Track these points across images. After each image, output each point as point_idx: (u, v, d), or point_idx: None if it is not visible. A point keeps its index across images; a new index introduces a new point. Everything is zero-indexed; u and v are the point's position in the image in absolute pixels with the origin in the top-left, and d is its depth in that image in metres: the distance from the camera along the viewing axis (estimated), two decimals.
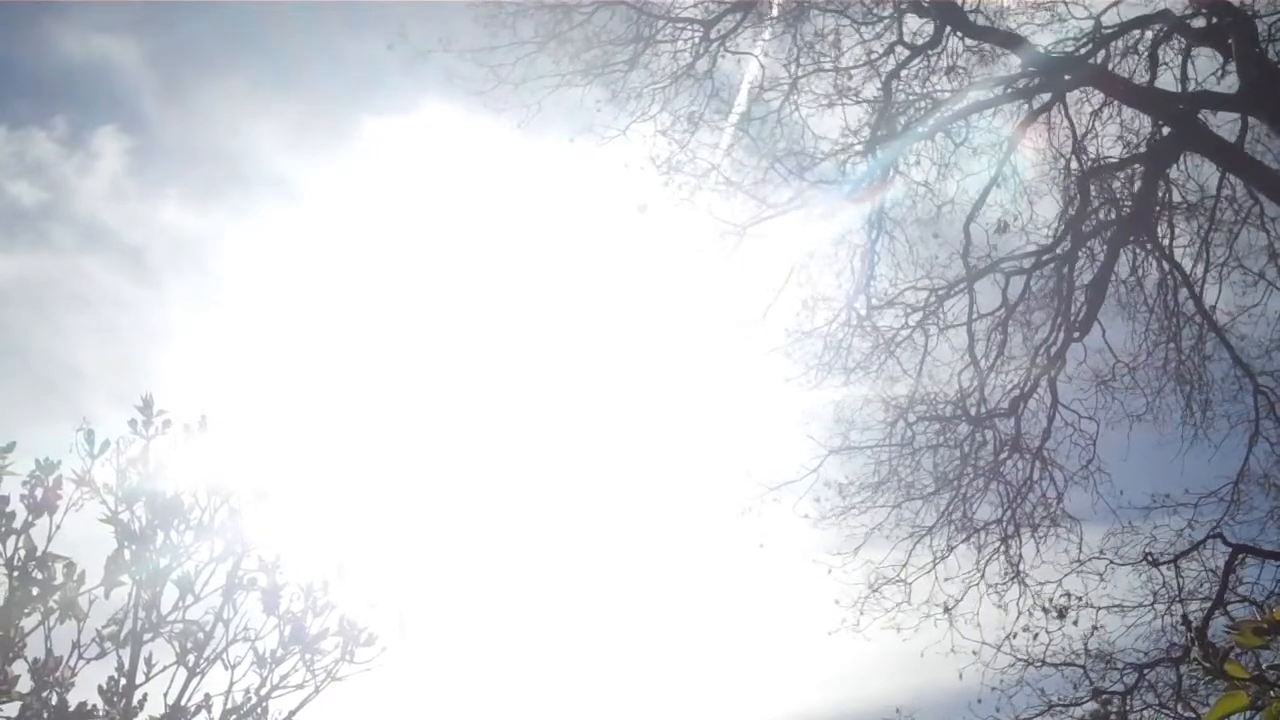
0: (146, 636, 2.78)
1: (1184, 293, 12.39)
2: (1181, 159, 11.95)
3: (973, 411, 12.21)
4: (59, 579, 2.82)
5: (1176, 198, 12.25)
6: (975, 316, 12.31)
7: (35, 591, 2.78)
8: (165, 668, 2.79)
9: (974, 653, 11.51)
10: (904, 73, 12.10)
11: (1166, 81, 11.97)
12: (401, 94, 16.20)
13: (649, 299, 13.19)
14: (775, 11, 12.11)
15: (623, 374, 13.27)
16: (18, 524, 2.86)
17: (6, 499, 2.88)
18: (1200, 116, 11.50)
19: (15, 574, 2.80)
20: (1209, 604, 11.15)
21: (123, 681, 2.74)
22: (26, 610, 2.78)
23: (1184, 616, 10.87)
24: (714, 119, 12.21)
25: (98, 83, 16.29)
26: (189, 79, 16.53)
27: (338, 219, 15.50)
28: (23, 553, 2.85)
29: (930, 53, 12.12)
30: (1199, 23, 11.53)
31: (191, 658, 2.77)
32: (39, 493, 2.88)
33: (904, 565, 11.90)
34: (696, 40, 12.18)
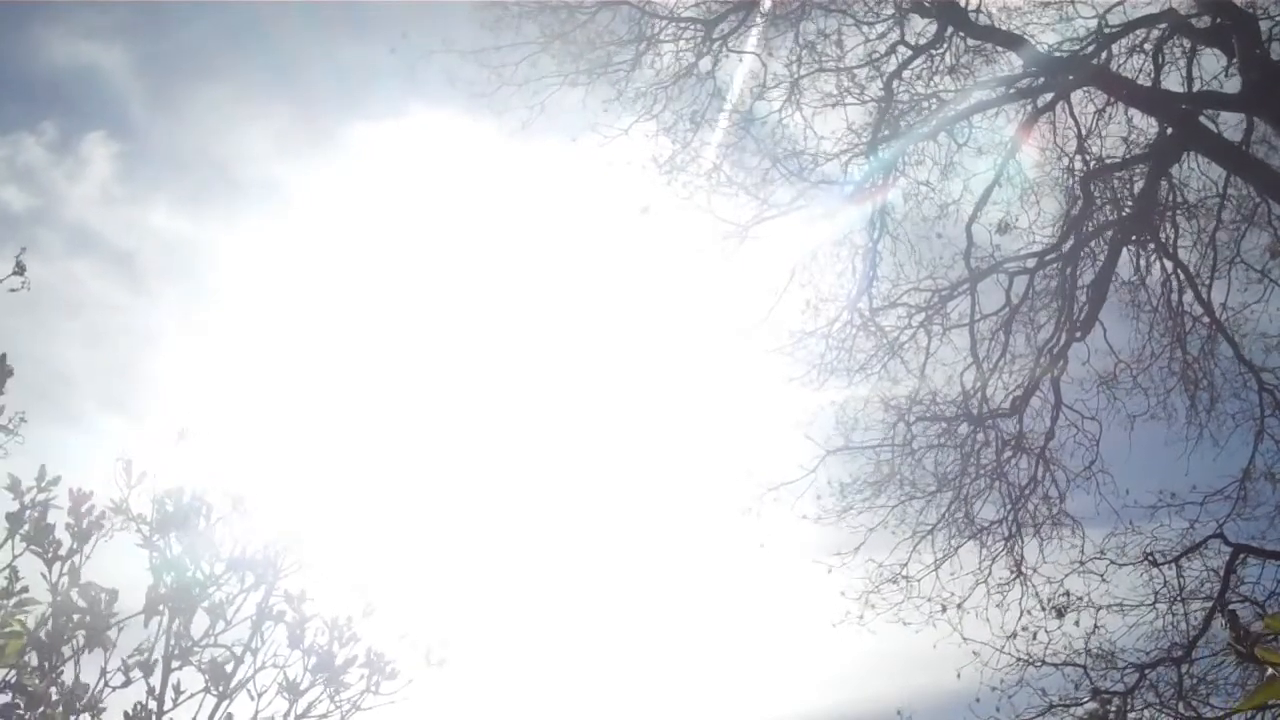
0: (175, 664, 2.80)
1: (1188, 292, 12.42)
2: (1186, 158, 11.97)
3: (975, 412, 12.23)
4: (102, 608, 2.81)
5: (1180, 197, 12.28)
6: (978, 317, 12.34)
7: (76, 618, 2.78)
8: (193, 694, 2.82)
9: (974, 653, 11.53)
10: (906, 73, 12.10)
11: (1173, 80, 12.01)
12: (393, 99, 16.18)
13: (650, 300, 13.19)
14: (777, 11, 12.09)
15: (625, 376, 13.27)
16: (63, 551, 2.85)
17: (52, 527, 2.87)
18: (1204, 116, 11.52)
19: (59, 600, 2.80)
20: (1210, 603, 11.18)
21: (152, 704, 2.76)
22: (67, 638, 2.78)
23: (1223, 608, 10.89)
24: (716, 119, 12.23)
25: (87, 88, 16.28)
26: (177, 84, 16.53)
27: (330, 224, 15.47)
28: (66, 579, 2.84)
29: (933, 52, 12.12)
30: (1203, 22, 11.54)
31: (220, 685, 2.79)
32: (85, 523, 2.88)
33: (906, 564, 11.94)
34: (699, 40, 12.17)
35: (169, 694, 2.75)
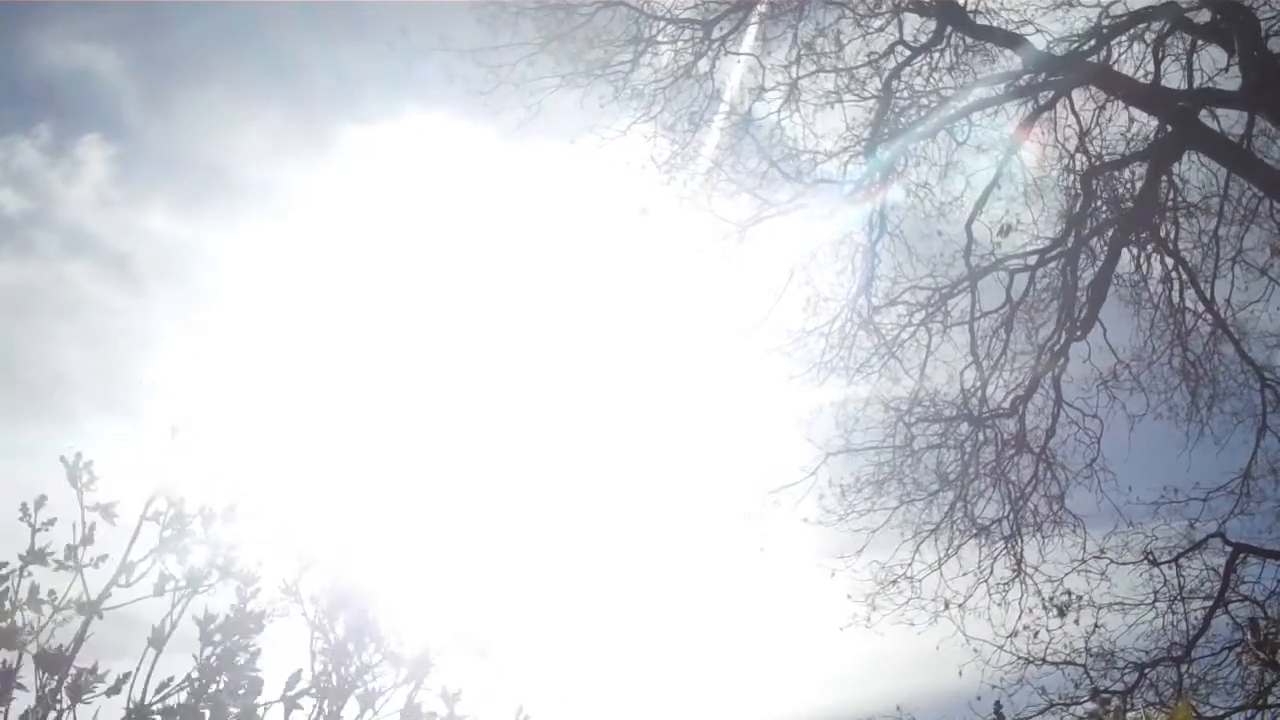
0: None
1: (1189, 289, 12.38)
2: (1186, 156, 11.90)
3: (975, 411, 12.22)
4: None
5: (1181, 195, 12.22)
6: (978, 315, 12.31)
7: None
8: None
9: (975, 650, 11.56)
10: (905, 72, 12.06)
11: (1174, 77, 11.93)
12: (388, 101, 16.24)
13: (650, 300, 13.20)
14: (775, 11, 12.05)
15: (622, 377, 13.29)
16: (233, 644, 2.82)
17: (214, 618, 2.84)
18: (1205, 113, 11.45)
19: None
20: (1210, 603, 11.19)
21: None
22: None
23: (1224, 608, 10.93)
24: (715, 119, 12.22)
25: (81, 90, 16.32)
26: (173, 86, 16.55)
27: (326, 226, 15.49)
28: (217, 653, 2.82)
29: (932, 51, 12.07)
30: (1203, 17, 11.46)
31: None
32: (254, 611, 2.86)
33: (910, 564, 11.95)
34: (697, 40, 12.15)
35: None
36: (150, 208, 17.02)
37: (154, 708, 2.64)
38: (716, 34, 12.15)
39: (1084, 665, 11.32)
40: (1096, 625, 11.46)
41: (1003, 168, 12.16)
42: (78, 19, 15.23)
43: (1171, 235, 12.26)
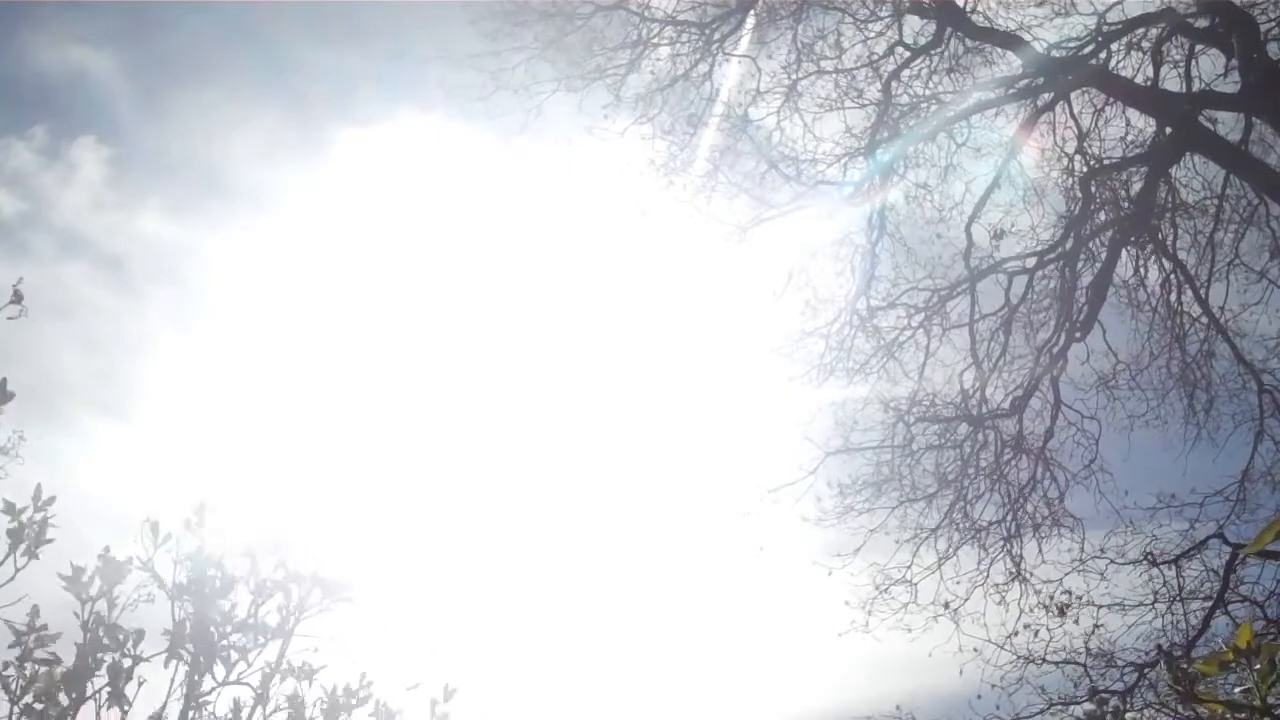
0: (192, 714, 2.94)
1: (1187, 292, 12.40)
2: (1185, 159, 11.94)
3: (974, 412, 12.24)
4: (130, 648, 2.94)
5: (1179, 198, 12.25)
6: (977, 317, 12.34)
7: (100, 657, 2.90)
8: None
9: (975, 650, 11.57)
10: (905, 74, 12.10)
11: (1172, 81, 11.97)
12: (383, 103, 16.30)
13: (649, 303, 13.22)
14: (774, 13, 12.08)
15: (623, 379, 13.31)
16: (94, 592, 2.95)
17: (84, 570, 2.96)
18: (1203, 116, 11.48)
19: (88, 637, 2.91)
20: (1210, 603, 11.20)
21: None
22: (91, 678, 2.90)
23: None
24: (714, 121, 12.24)
25: (76, 93, 16.38)
26: (167, 88, 16.61)
27: (320, 228, 15.52)
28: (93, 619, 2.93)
29: (931, 53, 12.11)
30: (1202, 22, 11.50)
31: None
32: (111, 570, 2.97)
33: (909, 566, 11.95)
34: (696, 43, 12.17)
35: None
36: (145, 210, 17.07)
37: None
38: (715, 37, 12.18)
39: (1084, 665, 11.33)
40: (1096, 625, 11.47)
41: (1002, 170, 12.20)
42: (73, 21, 15.26)
43: (1170, 239, 12.30)
